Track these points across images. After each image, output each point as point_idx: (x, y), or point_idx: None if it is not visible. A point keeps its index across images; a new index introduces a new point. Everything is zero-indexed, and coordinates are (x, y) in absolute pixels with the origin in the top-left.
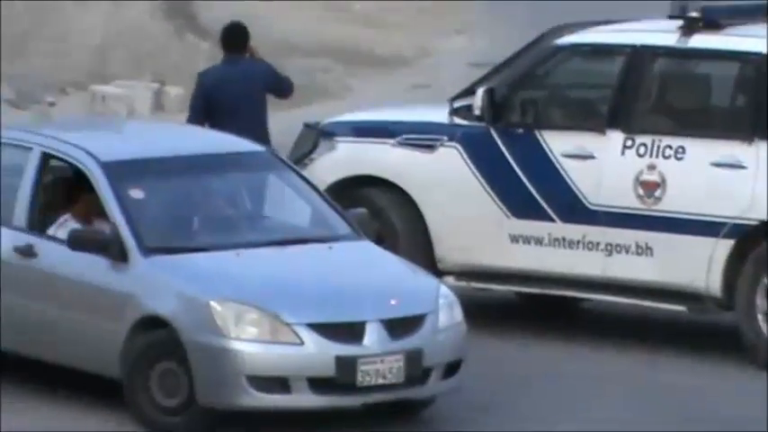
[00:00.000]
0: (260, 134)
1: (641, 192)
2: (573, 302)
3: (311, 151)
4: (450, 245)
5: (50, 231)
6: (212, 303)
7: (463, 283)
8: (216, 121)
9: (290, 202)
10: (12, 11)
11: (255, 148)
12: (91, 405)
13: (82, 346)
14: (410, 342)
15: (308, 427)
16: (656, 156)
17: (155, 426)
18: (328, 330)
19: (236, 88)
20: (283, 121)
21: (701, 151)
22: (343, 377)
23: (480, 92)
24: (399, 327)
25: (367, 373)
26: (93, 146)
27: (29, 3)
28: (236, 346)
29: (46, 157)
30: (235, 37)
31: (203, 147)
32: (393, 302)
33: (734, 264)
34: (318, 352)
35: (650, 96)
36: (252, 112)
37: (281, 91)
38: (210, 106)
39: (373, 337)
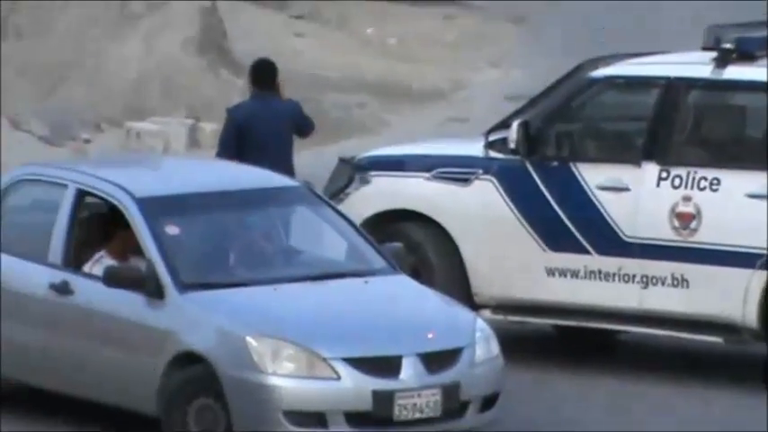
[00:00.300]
0: (286, 170)
1: (677, 223)
2: (610, 335)
3: (347, 186)
4: (487, 278)
5: (86, 268)
6: (249, 339)
7: (500, 317)
8: (245, 157)
9: (325, 237)
10: (46, 46)
11: (291, 183)
12: None
13: (118, 383)
14: (447, 376)
15: None
16: (692, 187)
17: None
18: (365, 365)
19: (266, 125)
20: (319, 156)
21: (736, 182)
22: (380, 411)
23: (515, 125)
24: (436, 360)
25: (404, 407)
26: (128, 182)
27: (64, 37)
28: (273, 381)
29: (81, 194)
30: (264, 73)
31: (239, 182)
32: (429, 336)
33: None
34: (355, 386)
35: (685, 128)
36: (279, 149)
37: (305, 129)
38: (240, 142)
39: (410, 371)
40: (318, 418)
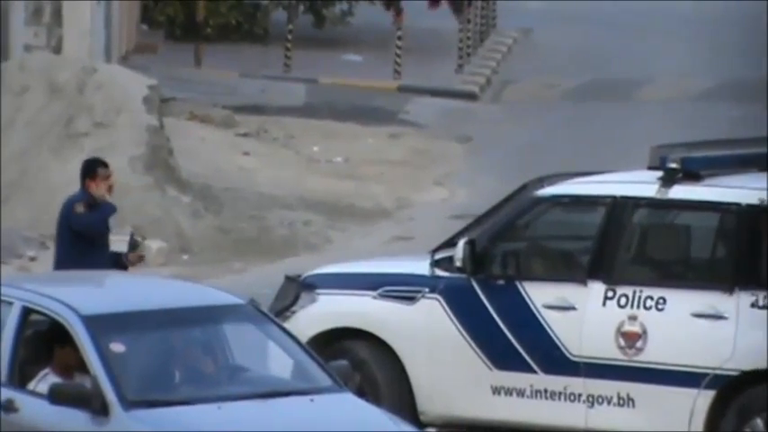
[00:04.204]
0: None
1: (623, 343)
2: None
3: (292, 303)
4: (433, 397)
5: (31, 386)
6: None
7: None
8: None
9: (271, 355)
10: None
11: (236, 301)
12: None
13: None
14: None
15: None
16: (638, 306)
17: None
18: None
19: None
20: (265, 274)
21: (682, 302)
22: None
23: (461, 243)
24: None
25: None
26: (73, 299)
27: (8, 156)
28: None
29: (27, 312)
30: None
31: (184, 300)
32: None
33: (716, 414)
34: None
35: (631, 247)
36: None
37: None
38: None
39: None
40: None
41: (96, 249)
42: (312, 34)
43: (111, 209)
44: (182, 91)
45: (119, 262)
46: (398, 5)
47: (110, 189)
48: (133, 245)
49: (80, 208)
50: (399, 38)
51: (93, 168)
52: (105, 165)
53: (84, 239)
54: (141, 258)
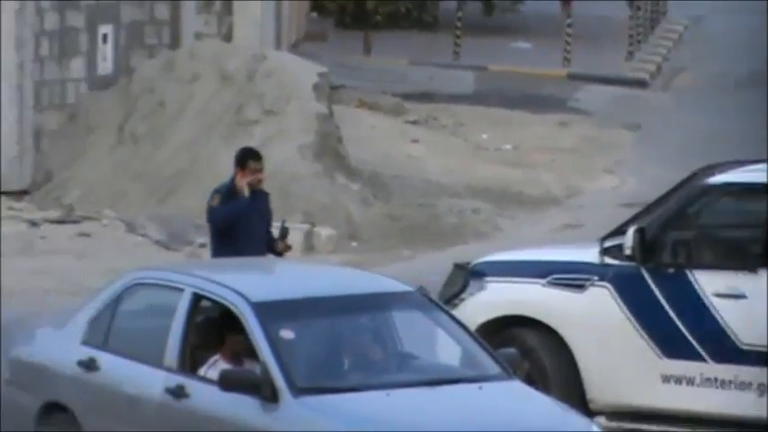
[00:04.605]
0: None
1: None
2: None
3: (461, 291)
4: (602, 385)
5: (201, 372)
6: None
7: (615, 424)
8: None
9: (440, 342)
10: (162, 152)
11: (405, 288)
12: None
13: None
14: None
15: None
16: None
17: None
18: None
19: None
20: (434, 261)
21: None
22: None
23: (631, 231)
24: None
25: None
26: (243, 286)
27: (179, 144)
28: None
29: (197, 298)
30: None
31: (353, 287)
32: None
33: None
34: None
35: None
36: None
37: None
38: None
39: None
40: None
41: (242, 238)
42: (481, 21)
43: (240, 205)
44: (351, 79)
45: (272, 249)
46: None
47: (258, 182)
48: (283, 233)
49: (214, 200)
50: (569, 25)
51: (244, 159)
52: (259, 157)
53: (220, 230)
54: (288, 248)
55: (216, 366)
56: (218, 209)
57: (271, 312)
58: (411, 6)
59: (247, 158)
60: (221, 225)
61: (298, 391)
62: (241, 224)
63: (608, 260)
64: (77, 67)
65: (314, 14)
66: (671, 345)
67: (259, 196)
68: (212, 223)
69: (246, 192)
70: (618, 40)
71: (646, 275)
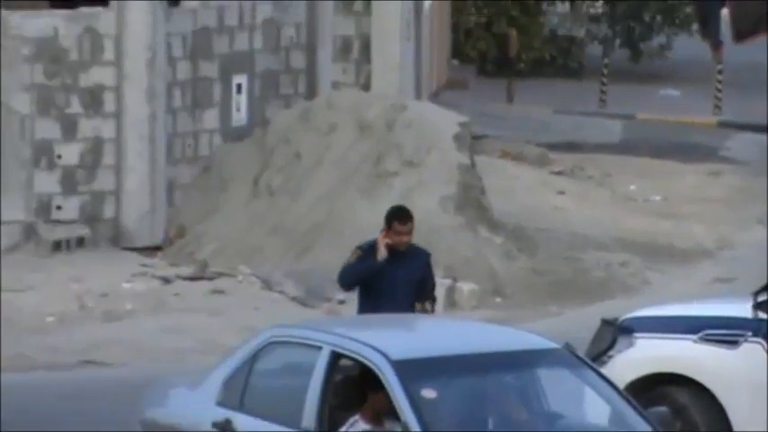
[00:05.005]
0: None
1: None
2: None
3: (609, 348)
4: None
5: None
6: None
7: None
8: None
9: (587, 401)
10: (298, 205)
11: (551, 345)
12: None
13: None
14: None
15: None
16: None
17: None
18: None
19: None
20: (581, 317)
21: None
22: None
23: None
24: None
25: None
26: (383, 344)
27: (316, 197)
28: None
29: (336, 356)
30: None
31: (497, 344)
32: None
33: None
34: None
35: None
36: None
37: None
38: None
39: None
40: None
41: (384, 298)
42: (628, 68)
43: (372, 266)
44: (493, 128)
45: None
46: (717, 38)
47: (401, 244)
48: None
49: (352, 255)
50: (720, 72)
51: (390, 219)
52: (406, 219)
53: (363, 286)
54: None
55: (356, 427)
56: (350, 266)
57: (412, 371)
58: (556, 53)
59: (393, 219)
60: (346, 282)
61: None
62: (383, 284)
63: (762, 315)
64: (211, 118)
65: (455, 62)
66: None
67: (409, 256)
68: (339, 279)
69: (383, 253)
70: None
71: None
